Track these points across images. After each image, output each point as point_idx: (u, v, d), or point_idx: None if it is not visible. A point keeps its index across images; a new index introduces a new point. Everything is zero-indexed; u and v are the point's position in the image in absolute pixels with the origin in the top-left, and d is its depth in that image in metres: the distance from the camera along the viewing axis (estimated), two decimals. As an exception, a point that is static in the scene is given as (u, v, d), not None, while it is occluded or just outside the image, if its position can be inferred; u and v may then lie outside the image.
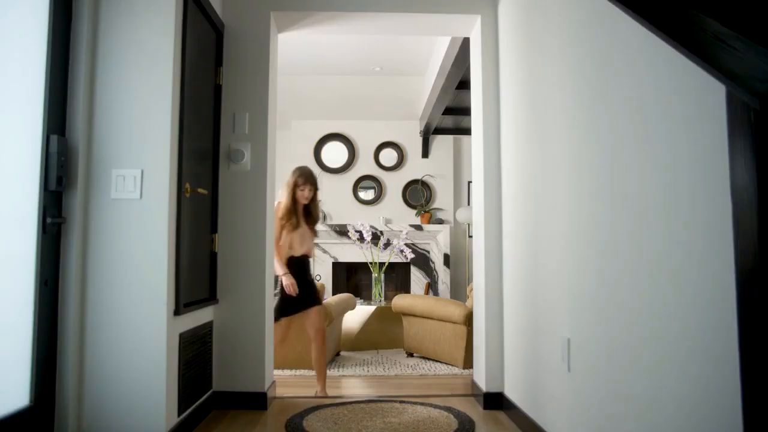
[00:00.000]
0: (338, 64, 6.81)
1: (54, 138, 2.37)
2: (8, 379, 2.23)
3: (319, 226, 7.65)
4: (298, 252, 4.12)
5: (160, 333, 2.55)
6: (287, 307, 4.06)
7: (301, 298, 4.05)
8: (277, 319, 3.92)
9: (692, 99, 1.50)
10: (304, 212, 4.18)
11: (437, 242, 7.78)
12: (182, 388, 2.77)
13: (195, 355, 3.00)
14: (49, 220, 2.36)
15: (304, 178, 4.13)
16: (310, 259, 4.31)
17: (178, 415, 2.72)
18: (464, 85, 5.77)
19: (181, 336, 2.78)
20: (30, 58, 2.33)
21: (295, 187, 4.13)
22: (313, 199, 4.20)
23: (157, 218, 2.58)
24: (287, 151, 7.54)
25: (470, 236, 7.28)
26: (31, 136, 2.33)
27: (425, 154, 7.79)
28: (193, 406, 2.97)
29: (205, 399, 3.18)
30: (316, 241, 7.69)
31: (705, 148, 1.43)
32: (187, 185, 2.86)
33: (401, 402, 3.48)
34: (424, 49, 6.36)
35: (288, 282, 4.02)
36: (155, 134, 2.59)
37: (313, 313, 4.11)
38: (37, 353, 2.31)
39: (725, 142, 1.31)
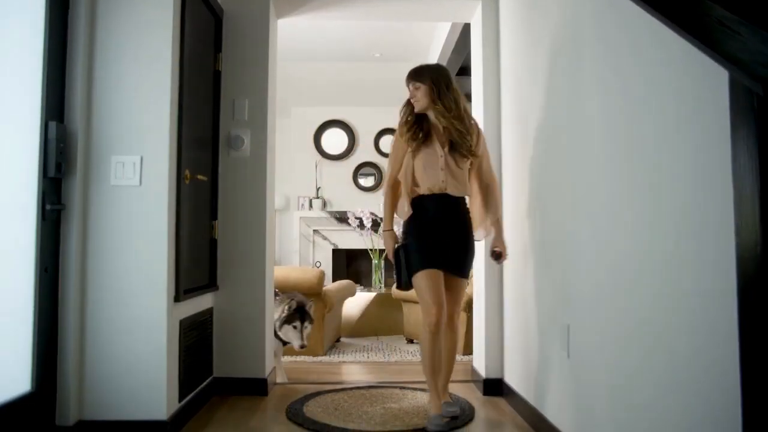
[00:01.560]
0: (338, 51, 6.76)
1: (53, 124, 2.36)
2: (10, 365, 2.24)
3: (318, 213, 7.63)
4: (423, 187, 2.79)
5: (161, 319, 2.55)
6: (422, 258, 2.76)
7: (443, 256, 2.78)
8: (401, 285, 2.84)
9: (693, 84, 1.49)
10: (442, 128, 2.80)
11: (437, 229, 7.78)
12: (183, 374, 2.78)
13: (195, 341, 3.01)
14: (48, 206, 2.36)
15: (408, 75, 2.87)
16: (462, 198, 2.86)
17: (179, 400, 2.74)
18: (465, 71, 5.73)
19: (182, 322, 2.78)
20: (27, 43, 2.31)
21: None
22: (435, 104, 2.76)
23: (156, 205, 2.57)
24: (287, 137, 7.52)
25: (470, 223, 7.28)
26: (30, 122, 2.31)
27: (425, 140, 7.77)
28: (194, 392, 2.98)
29: (205, 385, 3.19)
30: (317, 227, 7.67)
31: (706, 132, 1.42)
32: (187, 172, 2.85)
33: (401, 388, 3.49)
34: (425, 35, 6.31)
35: (387, 246, 2.89)
36: (154, 120, 2.58)
37: (452, 284, 2.84)
38: (38, 340, 2.32)
39: (727, 127, 1.30)
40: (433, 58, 6.16)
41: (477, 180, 2.92)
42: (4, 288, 2.22)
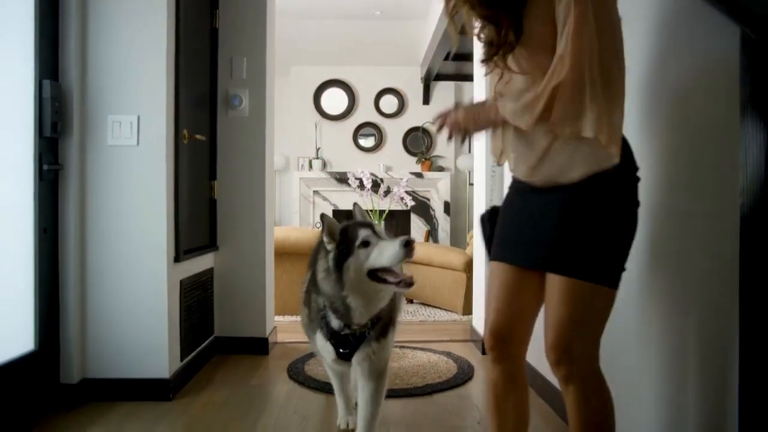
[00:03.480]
0: (338, 8, 6.64)
1: (47, 83, 2.32)
2: (14, 325, 2.26)
3: (318, 173, 7.60)
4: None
5: (161, 280, 2.56)
6: (497, 241, 1.63)
7: (520, 237, 1.54)
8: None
9: (704, 37, 1.45)
10: (507, 24, 1.52)
11: (437, 190, 7.76)
12: (184, 334, 2.80)
13: (196, 301, 3.03)
14: (45, 167, 2.34)
15: None
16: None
17: (181, 359, 2.76)
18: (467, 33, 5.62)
19: (182, 282, 2.79)
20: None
21: None
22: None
23: (155, 165, 2.55)
24: (286, 97, 7.44)
25: (471, 184, 7.26)
26: (23, 81, 2.28)
27: (426, 100, 7.68)
28: (196, 351, 3.01)
29: (207, 344, 3.22)
30: (317, 188, 7.65)
31: (714, 93, 1.39)
32: (185, 131, 2.82)
33: (401, 347, 3.53)
34: (426, -9, 6.19)
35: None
36: (150, 79, 2.54)
37: (553, 289, 1.45)
38: (40, 300, 2.33)
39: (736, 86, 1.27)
40: (434, 18, 6.04)
41: None
42: (4, 249, 2.22)
